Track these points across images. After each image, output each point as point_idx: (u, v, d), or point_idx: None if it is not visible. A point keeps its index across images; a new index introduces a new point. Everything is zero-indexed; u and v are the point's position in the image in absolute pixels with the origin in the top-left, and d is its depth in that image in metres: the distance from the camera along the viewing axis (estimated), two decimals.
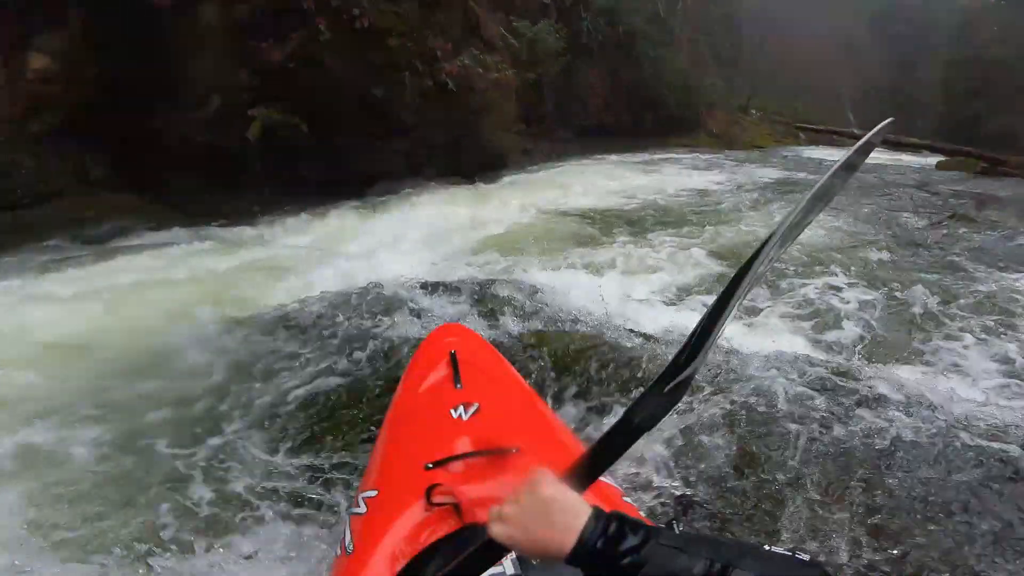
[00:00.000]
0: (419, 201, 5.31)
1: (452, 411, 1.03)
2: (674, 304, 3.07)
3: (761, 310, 2.98)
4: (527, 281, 3.13)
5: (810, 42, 25.34)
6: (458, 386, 1.11)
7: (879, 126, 0.71)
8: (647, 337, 2.28)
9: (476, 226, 4.63)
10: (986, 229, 4.91)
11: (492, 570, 0.60)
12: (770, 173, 8.06)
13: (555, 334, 2.24)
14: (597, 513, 0.50)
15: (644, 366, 1.98)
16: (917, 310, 3.00)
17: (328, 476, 1.69)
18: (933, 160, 9.54)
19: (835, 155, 11.42)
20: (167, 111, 4.69)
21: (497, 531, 0.52)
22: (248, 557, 1.39)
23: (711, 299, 0.55)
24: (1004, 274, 3.59)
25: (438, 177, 6.08)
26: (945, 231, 4.90)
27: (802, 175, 7.96)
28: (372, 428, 1.79)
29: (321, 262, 3.57)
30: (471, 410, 1.02)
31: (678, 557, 0.47)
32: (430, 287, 2.75)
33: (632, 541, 0.48)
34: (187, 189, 4.73)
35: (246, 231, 4.45)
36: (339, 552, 0.90)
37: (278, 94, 4.87)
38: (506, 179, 6.80)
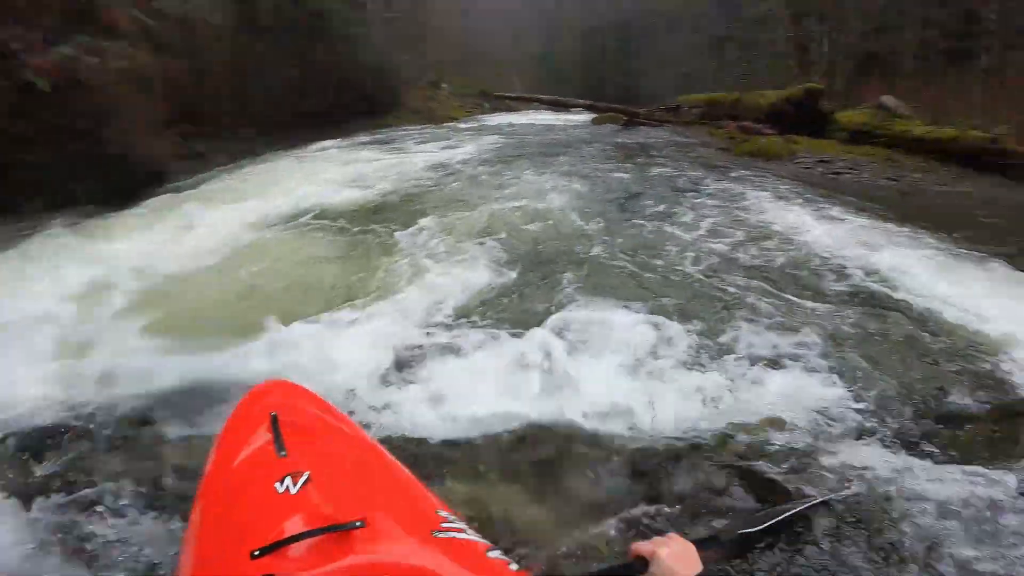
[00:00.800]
0: (25, 253, 3.59)
1: (277, 484, 0.89)
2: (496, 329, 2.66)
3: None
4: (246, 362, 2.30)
5: (480, 16, 27.74)
6: (282, 454, 0.97)
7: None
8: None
9: (138, 276, 3.26)
10: (668, 168, 6.16)
11: None
12: (490, 140, 8.43)
13: None
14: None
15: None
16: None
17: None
18: (587, 117, 11.44)
19: (516, 119, 13.22)
20: None
21: (661, 552, 0.77)
22: None
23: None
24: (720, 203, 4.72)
25: (55, 210, 4.29)
26: (643, 175, 5.93)
27: (514, 139, 8.56)
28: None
29: None
30: (300, 481, 0.88)
31: None
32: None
33: None
34: None
35: None
36: None
37: None
38: (174, 196, 5.28)
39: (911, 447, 1.90)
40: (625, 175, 5.98)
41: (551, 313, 2.82)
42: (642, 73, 20.05)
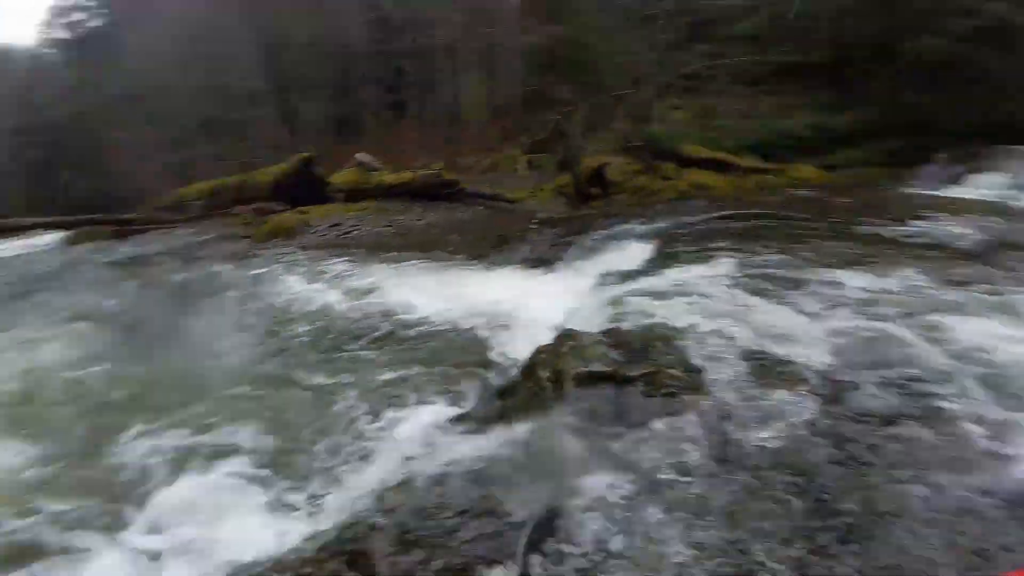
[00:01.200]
0: None
1: None
2: None
3: None
4: None
5: None
6: None
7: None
8: None
9: None
10: (190, 273, 5.34)
11: None
12: None
13: None
14: None
15: None
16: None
17: None
18: (57, 237, 8.89)
19: None
20: None
21: None
22: None
23: None
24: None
25: None
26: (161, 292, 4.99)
27: None
28: None
29: None
30: None
31: None
32: None
33: None
34: None
35: None
36: None
37: None
38: None
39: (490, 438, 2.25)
40: (136, 300, 5.09)
41: (119, 487, 2.29)
42: (118, 171, 17.23)
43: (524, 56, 14.60)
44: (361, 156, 11.05)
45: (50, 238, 8.97)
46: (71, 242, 8.21)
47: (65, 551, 1.97)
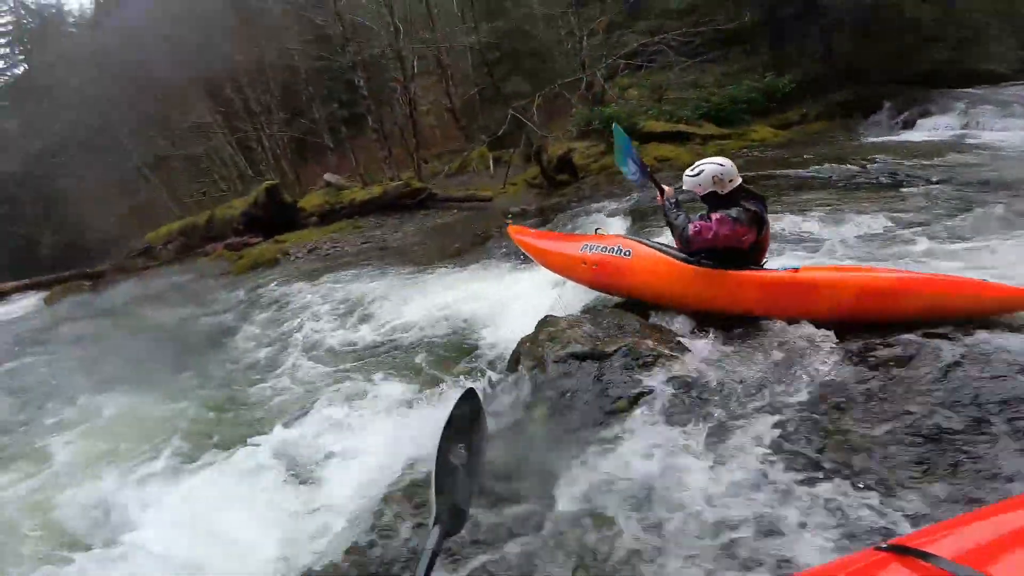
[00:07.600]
0: None
1: None
2: None
3: None
4: None
5: None
6: None
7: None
8: None
9: None
10: (187, 316, 5.32)
11: None
12: None
13: None
14: None
15: None
16: None
17: None
18: (37, 299, 8.83)
19: None
20: None
21: None
22: None
23: None
24: None
25: None
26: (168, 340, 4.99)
27: None
28: None
29: None
30: None
31: None
32: None
33: None
34: None
35: None
36: None
37: None
38: None
39: None
40: (155, 350, 5.07)
41: None
42: (78, 220, 16.83)
43: (472, 54, 14.66)
44: (329, 176, 11.09)
45: (27, 301, 8.79)
46: (49, 301, 8.09)
47: None
